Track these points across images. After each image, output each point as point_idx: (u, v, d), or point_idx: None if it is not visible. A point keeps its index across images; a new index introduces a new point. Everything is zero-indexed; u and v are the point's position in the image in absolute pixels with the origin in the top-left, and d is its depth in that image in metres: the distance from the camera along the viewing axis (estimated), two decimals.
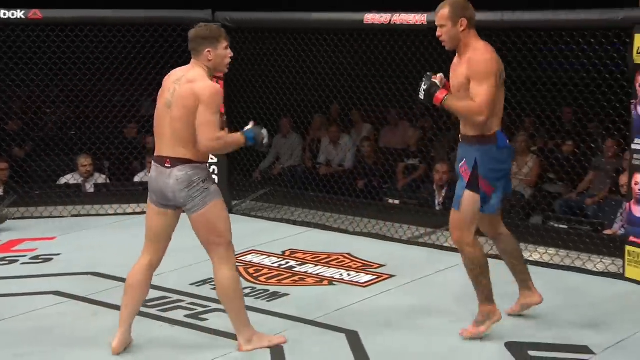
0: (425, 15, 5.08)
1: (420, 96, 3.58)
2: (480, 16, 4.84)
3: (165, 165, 3.47)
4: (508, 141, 3.64)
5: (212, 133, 3.38)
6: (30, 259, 5.02)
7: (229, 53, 3.54)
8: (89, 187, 6.59)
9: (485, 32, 4.76)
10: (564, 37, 4.86)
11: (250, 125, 3.61)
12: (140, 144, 7.40)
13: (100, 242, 5.42)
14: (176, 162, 3.44)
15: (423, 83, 3.57)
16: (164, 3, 6.91)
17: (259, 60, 6.17)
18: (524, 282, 3.90)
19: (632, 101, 4.39)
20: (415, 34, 5.43)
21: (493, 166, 3.56)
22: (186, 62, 6.03)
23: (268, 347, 3.62)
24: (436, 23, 3.58)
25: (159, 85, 6.53)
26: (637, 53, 4.28)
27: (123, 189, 6.46)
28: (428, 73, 3.63)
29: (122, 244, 5.33)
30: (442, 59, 5.06)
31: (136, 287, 3.63)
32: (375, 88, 6.19)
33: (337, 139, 8.26)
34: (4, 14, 5.78)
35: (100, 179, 6.78)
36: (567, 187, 6.94)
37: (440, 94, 3.52)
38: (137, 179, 6.94)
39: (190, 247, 5.00)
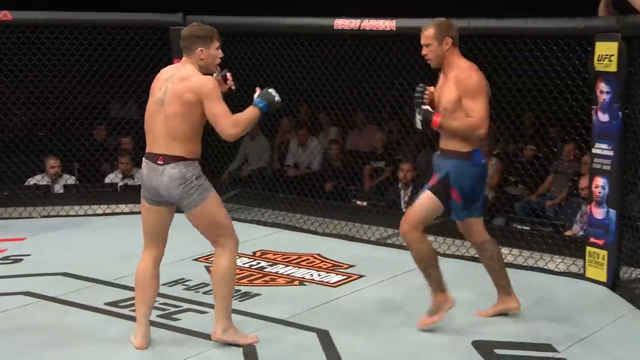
0: (395, 21, 5.12)
1: (417, 126, 3.72)
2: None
3: (158, 162, 3.46)
4: (484, 160, 3.76)
5: (230, 120, 3.43)
6: (0, 259, 4.94)
7: (220, 54, 3.56)
8: (58, 189, 6.50)
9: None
10: (528, 45, 4.93)
11: (257, 93, 3.61)
12: (111, 146, 7.33)
13: (70, 242, 5.35)
14: (169, 159, 3.44)
15: (417, 113, 3.68)
16: (130, 6, 6.85)
17: (229, 64, 6.13)
18: (504, 287, 3.95)
19: (592, 107, 4.46)
20: (383, 39, 5.46)
21: (465, 180, 3.70)
22: (157, 64, 6.03)
23: (240, 345, 3.61)
24: (422, 42, 3.69)
25: (129, 87, 6.55)
26: (598, 61, 4.35)
27: (93, 190, 6.38)
28: (417, 93, 3.71)
29: (92, 245, 5.28)
30: (410, 64, 5.11)
31: (148, 284, 3.64)
32: (345, 92, 6.20)
33: (305, 141, 8.26)
34: None
35: (70, 180, 6.69)
36: (528, 189, 7.05)
37: (436, 118, 3.64)
38: (107, 180, 6.86)
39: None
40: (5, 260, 4.93)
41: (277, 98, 3.59)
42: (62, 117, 6.33)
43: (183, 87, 3.42)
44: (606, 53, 4.30)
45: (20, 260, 4.93)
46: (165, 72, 3.56)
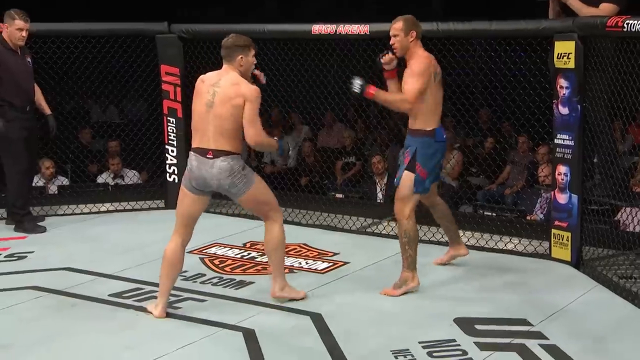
0: (368, 25, 5.11)
1: (354, 90, 3.87)
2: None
3: (207, 156, 3.65)
4: (445, 136, 4.02)
5: (260, 129, 3.65)
6: (5, 257, 4.80)
7: (254, 60, 3.77)
8: (53, 189, 6.36)
9: (424, 40, 4.85)
10: (493, 45, 4.97)
11: (285, 141, 3.85)
12: (95, 148, 7.22)
13: (69, 239, 5.23)
14: (218, 153, 3.63)
15: (357, 79, 3.86)
16: (113, 16, 6.75)
17: (209, 69, 6.05)
18: (455, 238, 4.37)
19: (554, 101, 4.51)
20: (350, 42, 5.46)
21: (429, 155, 3.94)
22: (143, 72, 5.94)
23: (295, 299, 3.91)
24: (391, 34, 3.95)
25: (110, 92, 6.50)
26: (557, 58, 4.40)
27: (87, 189, 6.25)
28: (382, 54, 3.95)
29: (91, 241, 5.17)
30: (376, 65, 5.10)
31: (176, 263, 3.77)
32: (317, 92, 6.18)
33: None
34: None
35: (64, 181, 6.56)
36: (488, 179, 7.13)
37: (370, 90, 3.85)
38: (99, 180, 6.74)
39: (157, 241, 4.95)
40: (11, 257, 4.79)
41: (290, 153, 3.93)
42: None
43: (234, 91, 3.62)
44: (564, 51, 4.35)
45: (25, 257, 4.80)
46: (209, 78, 3.73)
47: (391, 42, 3.93)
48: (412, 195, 3.97)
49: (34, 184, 5.95)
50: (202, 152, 3.66)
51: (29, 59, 5.33)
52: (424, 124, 3.93)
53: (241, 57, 3.68)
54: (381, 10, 10.34)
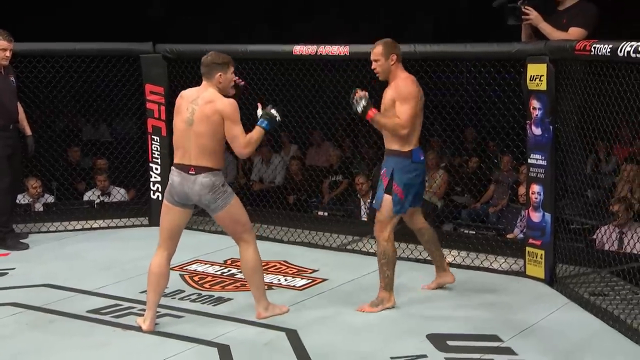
0: (348, 47, 5.24)
1: (358, 109, 3.95)
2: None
3: (190, 172, 3.75)
4: (422, 157, 4.07)
5: (244, 141, 3.74)
6: None
7: (234, 77, 3.87)
8: (39, 207, 6.45)
9: (404, 62, 4.98)
10: (469, 66, 5.10)
11: (259, 113, 3.89)
12: (87, 166, 7.32)
13: (51, 256, 5.31)
14: (200, 169, 3.73)
15: (362, 100, 3.94)
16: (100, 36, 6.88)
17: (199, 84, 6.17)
18: (441, 265, 4.39)
19: (527, 122, 4.64)
20: (338, 63, 5.57)
21: (406, 176, 4.01)
22: (128, 91, 6.05)
23: (279, 314, 4.01)
24: (371, 58, 4.03)
25: (96, 111, 6.65)
26: (530, 80, 4.53)
27: (72, 207, 6.35)
28: (359, 91, 3.99)
29: (73, 258, 5.25)
30: (362, 85, 5.24)
31: (162, 276, 3.87)
32: (304, 112, 6.30)
33: (269, 158, 8.35)
34: None
35: (50, 199, 6.66)
36: (473, 197, 7.24)
37: (371, 112, 3.95)
38: (85, 197, 6.84)
39: (138, 258, 5.04)
40: None
41: (278, 118, 3.92)
42: (41, 139, 6.30)
43: (210, 109, 3.70)
44: (537, 74, 4.48)
45: (6, 273, 4.88)
46: (188, 95, 3.83)
47: (372, 67, 4.02)
48: (391, 217, 4.03)
49: (19, 202, 6.05)
50: (184, 168, 3.76)
51: (12, 79, 5.45)
52: (401, 145, 3.99)
53: (220, 75, 3.77)
54: (377, 32, 10.51)
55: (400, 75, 4.00)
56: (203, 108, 3.72)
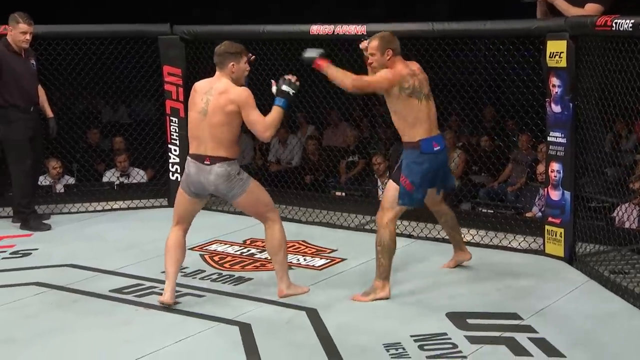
0: (365, 26, 5.21)
1: (304, 55, 3.91)
2: (413, 26, 5.05)
3: (205, 162, 3.77)
4: (437, 148, 3.91)
5: (263, 126, 3.74)
6: (10, 254, 4.95)
7: (248, 67, 3.84)
8: (60, 188, 6.52)
9: (420, 41, 4.94)
10: (487, 44, 5.05)
11: (274, 88, 3.85)
12: (107, 147, 7.37)
13: (73, 237, 5.37)
14: (215, 160, 3.75)
15: (314, 49, 3.92)
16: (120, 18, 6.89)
17: (210, 70, 6.18)
18: (458, 244, 4.40)
19: (546, 99, 4.59)
20: (356, 43, 5.53)
21: (413, 167, 3.89)
22: (147, 73, 6.06)
23: (300, 294, 4.02)
24: (368, 52, 3.96)
25: (120, 93, 6.68)
26: (549, 57, 4.48)
27: (92, 188, 6.40)
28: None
29: (94, 238, 5.31)
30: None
31: (179, 247, 3.94)
32: (322, 92, 6.28)
33: (285, 139, 8.35)
34: None
35: (70, 180, 6.72)
36: (491, 177, 7.20)
37: (322, 61, 3.88)
38: (105, 179, 6.89)
39: (158, 238, 5.07)
40: (15, 254, 4.95)
41: (293, 90, 3.84)
42: (61, 121, 6.34)
43: (224, 99, 3.71)
44: (556, 50, 4.44)
45: (29, 254, 4.95)
46: (202, 86, 3.83)
47: (369, 61, 3.96)
48: (393, 206, 3.93)
49: (40, 183, 6.12)
50: (200, 158, 3.78)
51: (32, 61, 5.48)
52: (409, 137, 3.92)
53: (232, 64, 3.76)
54: (390, 11, 10.44)
55: (396, 68, 3.89)
56: (217, 99, 3.72)
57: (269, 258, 4.18)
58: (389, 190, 3.97)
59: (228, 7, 10.96)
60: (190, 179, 3.83)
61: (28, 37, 5.31)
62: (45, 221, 5.60)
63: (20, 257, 4.90)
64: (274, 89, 3.88)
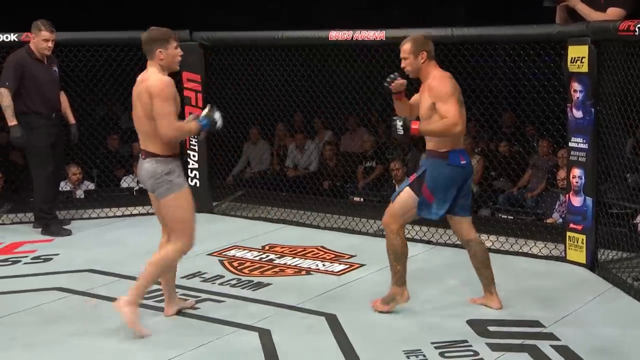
0: (384, 32, 5.19)
1: (399, 133, 3.65)
2: (433, 32, 5.04)
3: (142, 157, 3.62)
4: (464, 162, 3.70)
5: (171, 123, 3.46)
6: (32, 259, 4.99)
7: (179, 52, 3.58)
8: (80, 194, 6.56)
9: (439, 46, 4.93)
10: (507, 50, 5.03)
11: (205, 111, 3.66)
12: (127, 153, 7.41)
13: (93, 242, 5.40)
14: (148, 155, 3.58)
15: (397, 120, 3.66)
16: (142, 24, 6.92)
17: (233, 75, 6.21)
18: (486, 287, 3.94)
19: (567, 105, 4.55)
20: (374, 48, 5.53)
21: (438, 178, 3.69)
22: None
23: (128, 324, 3.59)
24: (401, 56, 3.76)
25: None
26: (571, 62, 4.44)
27: (112, 194, 6.44)
28: (388, 78, 3.77)
29: (114, 243, 5.33)
30: (397, 70, 5.22)
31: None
32: (340, 98, 6.28)
33: (303, 144, 8.35)
34: None
35: (90, 186, 6.76)
36: (510, 182, 7.15)
37: (414, 126, 3.66)
38: (124, 184, 6.92)
39: None
40: (37, 259, 4.98)
41: (219, 124, 3.63)
42: (81, 127, 6.38)
43: (142, 88, 3.50)
44: (578, 55, 4.40)
45: (50, 259, 4.98)
46: (139, 78, 3.61)
47: (402, 65, 3.76)
48: (405, 214, 3.77)
49: (61, 189, 6.16)
50: (140, 153, 3.64)
51: (55, 68, 5.53)
52: (437, 144, 3.69)
53: (160, 51, 3.51)
54: (407, 14, 10.40)
55: (432, 73, 3.70)
56: (137, 89, 3.52)
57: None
58: (404, 198, 3.76)
59: (247, 13, 10.99)
60: (138, 173, 3.69)
61: (50, 44, 5.36)
62: (65, 226, 5.64)
63: (42, 262, 4.93)
64: (204, 111, 3.64)
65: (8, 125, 5.33)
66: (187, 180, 5.94)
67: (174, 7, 10.21)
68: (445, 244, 5.02)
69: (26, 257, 5.03)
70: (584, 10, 4.44)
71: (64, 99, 5.62)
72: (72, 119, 5.65)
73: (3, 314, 3.98)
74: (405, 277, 3.88)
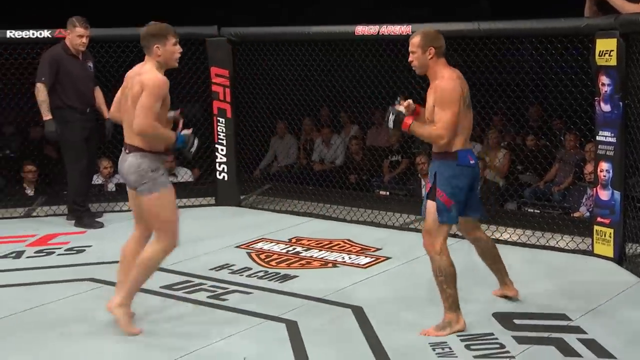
0: (410, 26, 5.18)
1: (389, 125, 3.54)
2: (460, 26, 5.01)
3: (125, 151, 3.54)
4: (473, 161, 3.55)
5: (148, 118, 3.36)
6: (65, 250, 5.08)
7: (178, 49, 3.52)
8: (111, 187, 6.64)
9: (465, 40, 4.90)
10: (534, 43, 4.98)
11: (186, 131, 3.58)
12: None
13: (124, 234, 5.32)
14: (132, 149, 3.49)
15: (390, 113, 3.52)
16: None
17: (260, 71, 6.24)
18: (501, 279, 3.89)
19: (595, 98, 4.50)
20: (401, 43, 5.50)
21: (450, 180, 3.50)
22: (194, 74, 6.14)
23: (121, 327, 3.59)
24: (409, 49, 3.55)
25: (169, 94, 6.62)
26: (599, 56, 4.39)
27: None
28: (398, 99, 3.61)
29: None
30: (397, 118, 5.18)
31: (131, 259, 3.67)
32: (367, 92, 6.27)
33: (329, 139, 8.36)
34: (32, 34, 5.84)
35: (121, 179, 6.81)
36: (537, 176, 7.09)
37: (407, 120, 3.50)
38: None
39: (207, 236, 5.15)
40: (70, 251, 5.07)
41: (193, 149, 3.58)
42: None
43: (136, 81, 3.43)
44: (606, 49, 4.35)
45: (83, 250, 5.06)
46: (132, 70, 3.56)
47: (409, 59, 3.54)
48: (439, 226, 3.53)
49: (93, 183, 6.25)
50: (124, 146, 3.55)
51: (90, 64, 5.60)
52: (445, 146, 3.49)
53: (157, 47, 3.44)
54: (434, 11, 10.33)
55: (441, 72, 3.48)
56: (132, 82, 3.46)
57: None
58: (430, 214, 3.55)
59: (247, 12, 11.03)
60: (118, 167, 3.63)
61: (85, 40, 5.43)
62: (98, 219, 5.72)
63: (75, 253, 5.01)
64: (185, 131, 3.56)
65: (43, 119, 5.42)
66: (217, 174, 6.08)
67: (174, 5, 10.24)
68: (463, 237, 4.98)
69: (60, 248, 5.12)
70: (617, 2, 4.35)
71: (98, 94, 5.69)
72: (106, 114, 5.71)
73: (38, 303, 4.06)
74: (457, 299, 3.56)
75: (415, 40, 3.50)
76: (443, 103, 3.43)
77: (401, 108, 3.56)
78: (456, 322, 3.57)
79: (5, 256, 4.97)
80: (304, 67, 6.02)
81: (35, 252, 5.04)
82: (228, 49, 6.01)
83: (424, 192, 6.50)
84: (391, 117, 3.52)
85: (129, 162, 3.50)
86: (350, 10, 10.67)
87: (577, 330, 3.56)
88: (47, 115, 5.38)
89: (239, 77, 6.11)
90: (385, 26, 5.29)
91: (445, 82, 3.45)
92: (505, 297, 3.93)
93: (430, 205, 3.56)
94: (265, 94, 6.37)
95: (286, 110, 6.72)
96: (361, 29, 5.39)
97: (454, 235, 5.06)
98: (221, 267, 4.59)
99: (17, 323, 3.82)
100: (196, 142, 3.59)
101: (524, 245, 4.83)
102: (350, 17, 6.12)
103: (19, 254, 5.00)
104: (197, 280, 4.36)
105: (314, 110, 7.35)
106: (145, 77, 3.42)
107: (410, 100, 3.62)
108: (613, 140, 4.38)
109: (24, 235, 5.43)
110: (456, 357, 3.33)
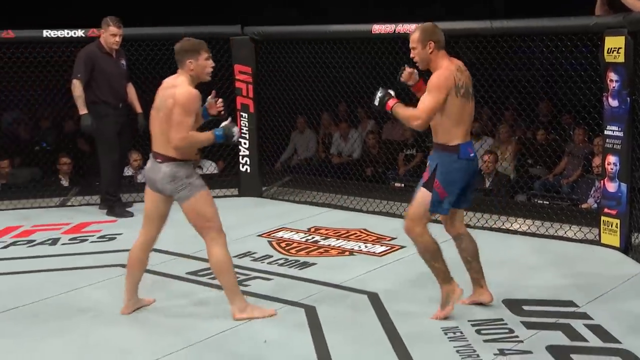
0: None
1: (374, 103, 3.50)
2: (472, 24, 4.98)
3: (157, 160, 3.52)
4: (473, 154, 3.47)
5: (181, 133, 3.39)
6: (98, 238, 5.14)
7: (210, 63, 3.53)
8: (141, 178, 6.70)
9: (478, 38, 4.87)
10: (544, 41, 4.94)
11: (224, 123, 3.60)
12: None
13: None
14: (165, 159, 3.49)
15: (379, 92, 3.49)
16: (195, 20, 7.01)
17: (282, 68, 6.25)
18: (477, 280, 3.70)
19: (604, 94, 4.46)
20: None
21: (449, 173, 3.43)
22: (219, 71, 6.15)
23: (259, 317, 3.60)
24: (410, 46, 3.47)
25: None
26: (608, 53, 4.35)
27: None
28: (402, 70, 3.57)
29: (172, 225, 5.35)
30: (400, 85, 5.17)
31: (136, 264, 3.72)
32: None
33: (347, 133, 8.36)
34: (67, 33, 5.91)
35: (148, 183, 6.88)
36: (546, 169, 7.03)
37: (391, 102, 3.46)
38: None
39: (231, 226, 5.16)
40: (102, 238, 5.13)
41: (235, 138, 3.58)
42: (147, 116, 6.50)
43: (169, 94, 3.44)
44: (615, 46, 4.30)
45: (114, 238, 5.12)
46: (165, 82, 3.57)
47: (411, 55, 3.46)
48: (424, 216, 3.49)
49: (124, 174, 6.31)
50: (155, 155, 3.54)
51: (123, 61, 5.65)
52: (446, 138, 3.41)
53: (190, 62, 3.46)
54: (447, 9, 10.28)
55: (441, 64, 3.39)
56: (164, 93, 3.47)
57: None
58: (421, 198, 3.48)
59: (296, 7, 11.02)
60: (146, 174, 3.63)
61: (118, 39, 5.48)
62: (128, 209, 5.78)
63: (107, 241, 5.07)
64: (224, 123, 3.59)
65: (79, 113, 5.48)
66: (240, 167, 6.10)
67: (242, 5, 10.25)
68: (483, 228, 4.98)
69: (92, 236, 5.19)
70: (631, 0, 4.28)
71: (131, 90, 5.73)
72: (138, 109, 5.76)
73: (71, 287, 4.13)
74: (449, 272, 3.56)
75: (414, 36, 3.44)
76: (430, 88, 3.37)
77: (408, 72, 3.54)
78: (453, 292, 3.56)
79: (42, 243, 5.05)
80: (322, 64, 6.03)
81: (70, 240, 5.11)
82: (251, 47, 6.03)
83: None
84: (378, 97, 3.49)
85: (163, 172, 3.49)
86: (365, 9, 10.67)
87: (583, 316, 3.54)
88: (83, 110, 5.45)
89: (261, 74, 6.13)
90: (401, 24, 5.27)
91: (440, 71, 3.39)
92: (480, 304, 3.70)
93: (421, 194, 3.49)
94: (286, 90, 6.38)
95: (306, 106, 6.72)
96: (378, 28, 5.37)
97: (466, 226, 5.04)
98: (244, 255, 4.62)
99: (52, 306, 3.89)
100: (235, 129, 3.59)
101: (533, 235, 4.80)
102: (365, 16, 6.14)
103: (54, 241, 5.08)
104: None
105: (332, 105, 7.36)
106: (178, 91, 3.42)
107: (414, 69, 3.56)
108: (620, 134, 4.34)
109: (60, 223, 5.51)
110: (467, 340, 3.33)
